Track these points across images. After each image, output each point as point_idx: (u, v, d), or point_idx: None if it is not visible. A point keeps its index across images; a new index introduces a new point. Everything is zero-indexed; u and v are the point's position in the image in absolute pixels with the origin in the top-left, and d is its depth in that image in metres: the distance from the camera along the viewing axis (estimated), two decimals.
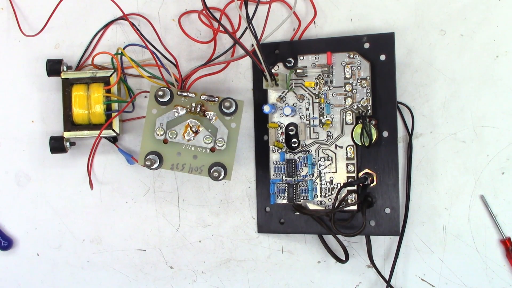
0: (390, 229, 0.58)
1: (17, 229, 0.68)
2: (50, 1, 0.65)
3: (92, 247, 0.67)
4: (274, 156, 0.61)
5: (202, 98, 0.58)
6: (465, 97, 0.59)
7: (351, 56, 0.59)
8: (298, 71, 0.60)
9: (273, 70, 0.60)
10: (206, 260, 0.65)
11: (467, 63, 0.59)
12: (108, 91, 0.62)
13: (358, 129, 0.58)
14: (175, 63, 0.62)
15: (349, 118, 0.59)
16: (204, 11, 0.61)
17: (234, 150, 0.58)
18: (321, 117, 0.60)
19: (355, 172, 0.59)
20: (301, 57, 0.60)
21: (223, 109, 0.57)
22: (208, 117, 0.58)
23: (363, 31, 0.61)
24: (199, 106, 0.58)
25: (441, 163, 0.60)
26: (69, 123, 0.63)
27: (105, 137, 0.64)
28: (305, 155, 0.60)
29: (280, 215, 0.62)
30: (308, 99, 0.60)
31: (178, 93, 0.58)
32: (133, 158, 0.64)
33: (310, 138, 0.60)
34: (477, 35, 0.59)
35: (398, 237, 0.59)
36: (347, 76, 0.59)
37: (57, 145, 0.63)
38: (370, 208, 0.58)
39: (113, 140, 0.65)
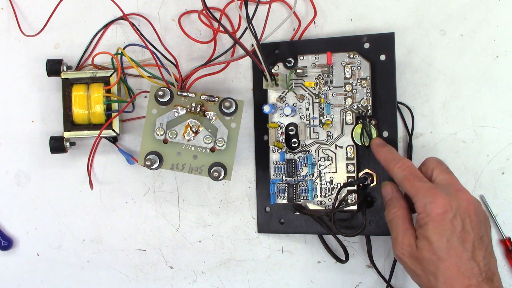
0: None
1: (17, 229, 0.68)
2: (50, 1, 0.65)
3: (92, 247, 0.67)
4: (274, 156, 0.61)
5: (202, 98, 0.58)
6: (465, 97, 0.59)
7: (351, 56, 0.59)
8: (298, 71, 0.60)
9: (273, 70, 0.60)
10: (206, 260, 0.65)
11: (467, 63, 0.59)
12: (108, 91, 0.62)
13: (358, 129, 0.58)
14: (175, 63, 0.62)
15: (349, 118, 0.59)
16: (204, 11, 0.61)
17: (234, 150, 0.58)
18: (321, 117, 0.60)
19: (355, 172, 0.59)
20: (301, 57, 0.60)
21: (223, 109, 0.57)
22: (208, 117, 0.58)
23: (363, 31, 0.61)
24: (199, 106, 0.58)
25: None
26: (69, 123, 0.63)
27: (105, 137, 0.64)
28: (305, 155, 0.60)
29: (280, 215, 0.62)
30: (308, 99, 0.60)
31: (178, 93, 0.58)
32: (133, 158, 0.64)
33: (310, 138, 0.60)
34: (477, 35, 0.59)
35: None
36: (347, 76, 0.59)
37: (57, 145, 0.63)
38: (370, 208, 0.58)
39: (113, 140, 0.65)
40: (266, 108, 0.59)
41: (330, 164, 0.59)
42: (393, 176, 0.53)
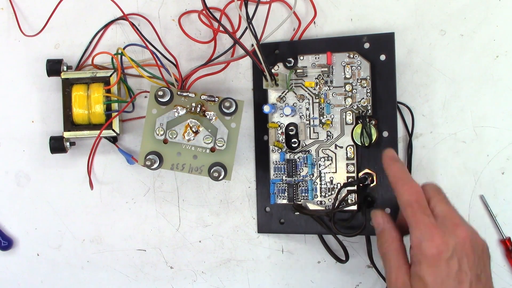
0: None
1: (17, 229, 0.68)
2: (50, 1, 0.65)
3: (92, 247, 0.67)
4: (274, 156, 0.61)
5: (202, 98, 0.58)
6: (465, 97, 0.59)
7: (351, 56, 0.59)
8: (298, 71, 0.60)
9: (273, 70, 0.60)
10: (206, 260, 0.65)
11: (467, 63, 0.59)
12: (108, 91, 0.62)
13: (358, 129, 0.58)
14: (175, 63, 0.62)
15: (349, 118, 0.59)
16: (204, 11, 0.61)
17: (234, 150, 0.58)
18: (321, 117, 0.60)
19: (355, 172, 0.59)
20: (301, 57, 0.60)
21: (223, 109, 0.57)
22: (208, 117, 0.58)
23: (363, 31, 0.61)
24: (199, 106, 0.58)
25: (441, 163, 0.60)
26: (69, 123, 0.63)
27: (105, 137, 0.64)
28: (305, 155, 0.60)
29: (280, 215, 0.62)
30: (308, 99, 0.60)
31: (178, 93, 0.58)
32: (133, 158, 0.64)
33: (310, 138, 0.60)
34: (477, 35, 0.59)
35: None
36: (347, 76, 0.59)
37: (57, 145, 0.63)
38: (370, 208, 0.58)
39: (113, 140, 0.65)
40: (266, 108, 0.59)
41: (330, 164, 0.59)
42: (398, 196, 0.50)
